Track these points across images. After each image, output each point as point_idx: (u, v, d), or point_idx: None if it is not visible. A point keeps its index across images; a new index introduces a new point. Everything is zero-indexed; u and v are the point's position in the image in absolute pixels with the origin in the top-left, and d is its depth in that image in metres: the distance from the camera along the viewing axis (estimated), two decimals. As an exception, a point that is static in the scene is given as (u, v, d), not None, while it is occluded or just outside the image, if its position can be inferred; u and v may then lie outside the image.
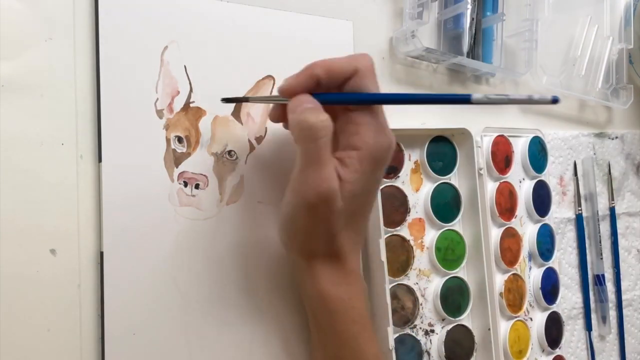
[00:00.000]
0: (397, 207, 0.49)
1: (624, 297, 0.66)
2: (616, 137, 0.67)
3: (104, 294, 0.37)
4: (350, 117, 0.37)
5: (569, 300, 0.62)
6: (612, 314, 0.65)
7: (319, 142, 0.35)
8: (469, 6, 0.53)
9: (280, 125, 0.43)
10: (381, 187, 0.46)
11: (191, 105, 0.41)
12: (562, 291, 0.61)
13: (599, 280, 0.64)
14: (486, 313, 0.50)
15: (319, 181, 0.35)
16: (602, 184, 0.66)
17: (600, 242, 0.64)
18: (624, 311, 0.66)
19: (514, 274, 0.54)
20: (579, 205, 0.63)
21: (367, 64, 0.38)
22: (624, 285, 0.66)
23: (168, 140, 0.40)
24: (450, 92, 0.55)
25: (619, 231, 0.66)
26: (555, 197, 0.61)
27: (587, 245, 0.64)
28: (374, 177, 0.38)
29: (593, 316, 0.63)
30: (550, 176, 0.59)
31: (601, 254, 0.64)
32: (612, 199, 0.66)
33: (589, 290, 0.63)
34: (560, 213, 0.62)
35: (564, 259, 0.62)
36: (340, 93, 0.38)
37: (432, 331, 0.49)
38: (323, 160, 0.35)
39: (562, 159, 0.62)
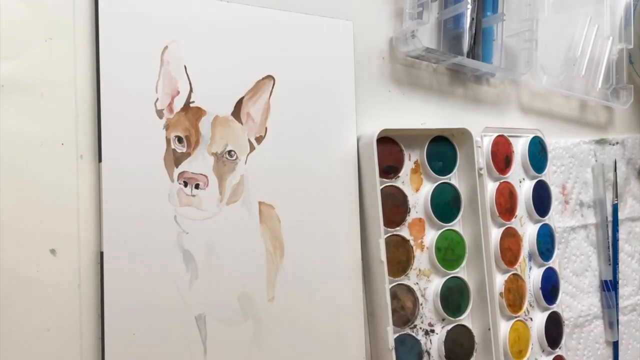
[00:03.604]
0: (397, 207, 0.49)
1: (628, 302, 0.66)
2: (617, 143, 0.67)
3: (104, 294, 0.37)
4: None
5: (574, 308, 0.61)
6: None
7: None
8: (469, 6, 0.52)
9: (280, 125, 0.43)
10: (381, 187, 0.46)
11: (191, 105, 0.41)
12: (567, 300, 0.61)
13: (607, 285, 0.63)
14: (486, 313, 0.50)
15: None
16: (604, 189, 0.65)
17: (609, 247, 0.64)
18: (629, 316, 0.66)
19: (514, 274, 0.54)
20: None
21: None
22: (627, 290, 0.66)
23: (168, 140, 0.40)
24: (450, 92, 0.55)
25: (622, 237, 0.66)
26: (557, 207, 0.61)
27: (595, 251, 0.64)
28: None
29: (599, 322, 0.63)
30: (552, 185, 0.59)
31: (609, 260, 0.63)
32: (616, 197, 0.65)
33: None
34: (563, 222, 0.61)
35: (568, 267, 0.62)
36: None
37: (432, 331, 0.49)
38: None
39: (563, 167, 0.62)
